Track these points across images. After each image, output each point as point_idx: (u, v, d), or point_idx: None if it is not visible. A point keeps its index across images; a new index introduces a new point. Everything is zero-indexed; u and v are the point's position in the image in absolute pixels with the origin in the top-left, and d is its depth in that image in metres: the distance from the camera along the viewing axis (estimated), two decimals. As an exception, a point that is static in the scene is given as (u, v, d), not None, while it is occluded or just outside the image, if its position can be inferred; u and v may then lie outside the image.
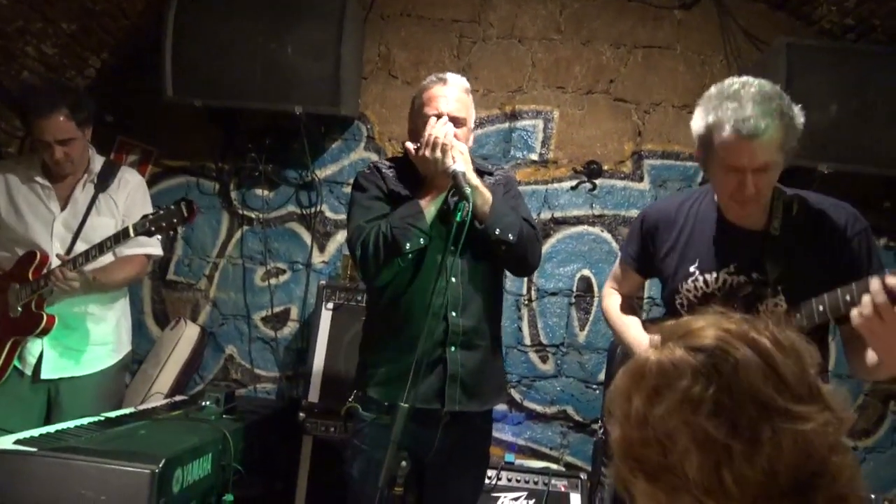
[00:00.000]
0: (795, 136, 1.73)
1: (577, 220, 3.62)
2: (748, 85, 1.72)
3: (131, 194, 2.91)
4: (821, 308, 1.69)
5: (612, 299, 2.31)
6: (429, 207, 2.12)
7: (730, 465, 0.80)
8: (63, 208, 2.83)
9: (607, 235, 3.61)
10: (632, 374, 0.92)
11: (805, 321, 1.72)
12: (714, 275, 1.91)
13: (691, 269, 1.95)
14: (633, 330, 2.15)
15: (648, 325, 2.14)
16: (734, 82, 1.75)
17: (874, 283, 1.49)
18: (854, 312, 1.54)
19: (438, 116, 2.15)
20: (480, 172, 2.31)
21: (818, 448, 0.81)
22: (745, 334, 0.86)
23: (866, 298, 1.51)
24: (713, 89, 1.79)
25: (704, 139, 1.78)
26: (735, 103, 1.69)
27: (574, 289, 3.60)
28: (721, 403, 0.82)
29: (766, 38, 3.47)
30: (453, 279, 2.14)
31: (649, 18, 3.63)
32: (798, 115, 1.72)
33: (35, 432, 2.17)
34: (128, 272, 2.89)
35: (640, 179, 3.61)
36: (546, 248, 3.55)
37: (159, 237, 2.74)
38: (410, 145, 2.19)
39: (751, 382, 0.82)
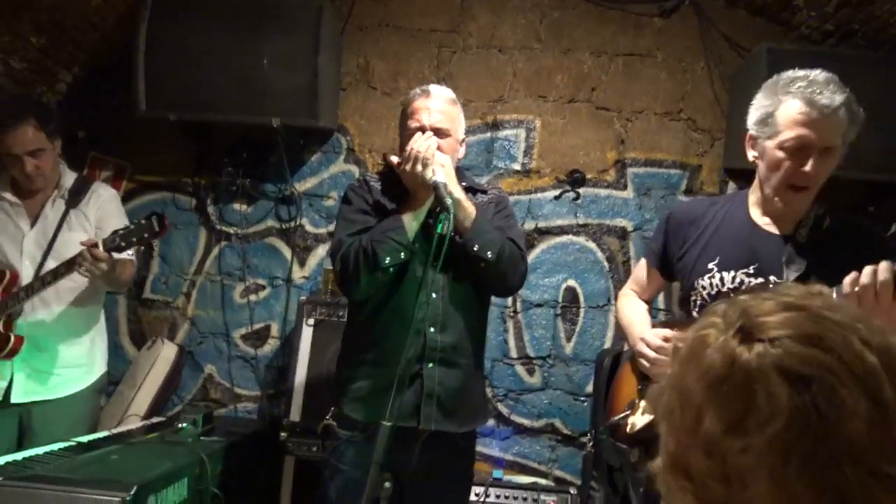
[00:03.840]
0: (854, 132, 1.73)
1: (562, 230, 3.58)
2: (815, 72, 1.73)
3: (103, 206, 2.83)
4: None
5: (626, 299, 2.26)
6: (411, 221, 2.08)
7: None
8: (33, 225, 2.75)
9: (592, 245, 3.57)
10: (710, 381, 0.75)
11: None
12: (732, 273, 1.86)
13: (710, 265, 1.90)
14: (638, 325, 2.08)
15: (659, 326, 2.07)
16: (799, 70, 1.76)
17: (883, 263, 1.48)
18: (848, 279, 1.51)
19: (421, 129, 2.12)
20: (474, 190, 2.29)
21: None
22: (857, 357, 0.70)
23: (868, 269, 1.48)
24: (776, 77, 1.79)
25: (764, 119, 1.77)
26: (805, 83, 1.70)
27: (560, 300, 3.55)
28: (814, 456, 0.68)
29: (747, 44, 3.46)
30: (433, 294, 2.10)
31: (629, 26, 3.61)
32: (860, 112, 1.73)
33: (1, 460, 2.08)
34: (128, 272, 2.82)
35: (624, 188, 3.58)
36: (530, 258, 3.50)
37: (131, 252, 2.66)
38: (394, 158, 2.15)
39: (854, 436, 0.68)
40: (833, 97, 1.67)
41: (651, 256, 2.18)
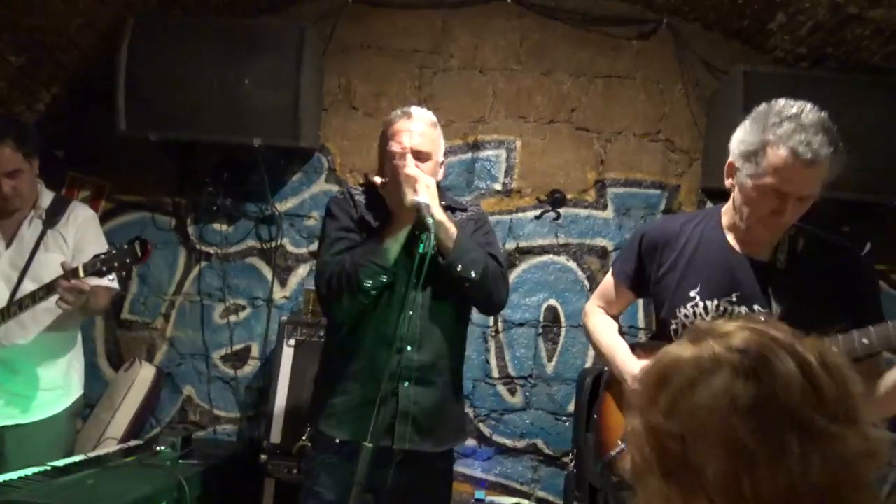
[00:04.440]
0: (835, 173, 1.69)
1: (543, 250, 3.60)
2: (807, 111, 1.68)
3: (81, 228, 2.80)
4: (865, 341, 1.58)
5: (596, 317, 2.21)
6: (392, 244, 2.08)
7: (751, 473, 0.77)
8: (8, 246, 2.70)
9: (573, 264, 3.59)
10: (662, 370, 0.88)
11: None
12: (715, 302, 1.85)
13: (692, 293, 1.89)
14: (621, 355, 2.05)
15: (638, 350, 2.07)
16: (791, 104, 1.70)
17: None
18: None
19: (403, 151, 2.12)
20: (453, 209, 2.29)
21: (846, 476, 0.77)
22: (792, 346, 0.83)
23: None
24: (765, 107, 1.74)
25: (750, 155, 1.72)
26: (795, 124, 1.65)
27: (541, 319, 3.56)
28: (756, 407, 0.79)
29: (723, 67, 3.52)
30: (411, 313, 2.08)
31: (608, 48, 3.66)
32: (842, 150, 1.69)
33: (-26, 486, 2.04)
34: (102, 301, 2.76)
35: (604, 208, 3.61)
36: (512, 278, 3.51)
37: (112, 277, 2.63)
38: (378, 179, 2.15)
39: (788, 393, 0.79)
40: (820, 151, 1.61)
41: (623, 277, 2.14)
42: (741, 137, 1.77)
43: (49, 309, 2.66)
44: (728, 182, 1.85)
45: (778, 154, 1.65)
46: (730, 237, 1.90)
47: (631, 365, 2.00)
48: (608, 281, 2.23)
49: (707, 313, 1.86)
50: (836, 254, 1.84)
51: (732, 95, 3.15)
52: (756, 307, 1.81)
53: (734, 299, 1.84)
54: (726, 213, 1.92)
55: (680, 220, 2.05)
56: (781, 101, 1.72)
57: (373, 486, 1.96)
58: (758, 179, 1.70)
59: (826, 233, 1.89)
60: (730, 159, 1.81)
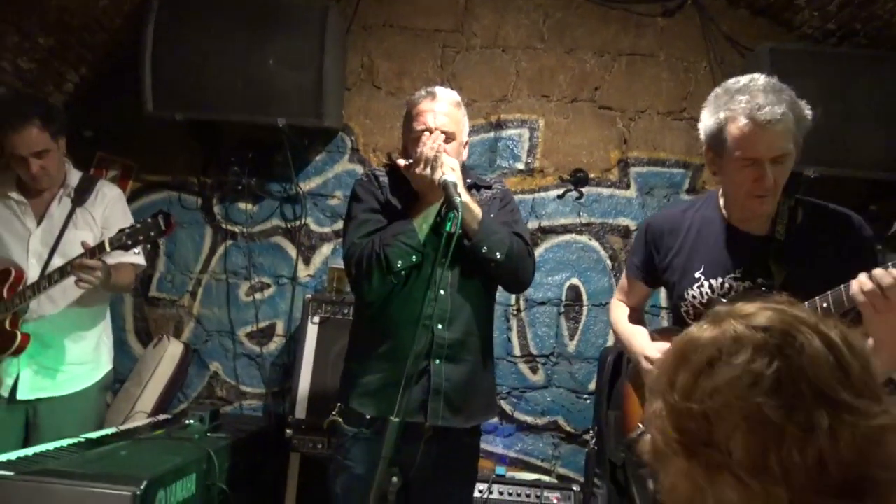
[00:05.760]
0: (804, 129, 1.74)
1: (565, 229, 3.60)
2: (755, 80, 1.74)
3: (109, 206, 2.85)
4: (825, 305, 1.64)
5: (618, 311, 2.28)
6: (421, 224, 2.10)
7: (779, 449, 0.76)
8: (39, 224, 2.76)
9: (595, 244, 3.59)
10: (681, 351, 0.88)
11: None
12: (719, 280, 1.88)
13: (696, 274, 1.92)
14: (638, 339, 2.10)
15: (656, 335, 2.11)
16: (739, 79, 1.77)
17: (877, 271, 1.51)
18: (855, 287, 1.53)
19: (428, 132, 2.13)
20: (479, 186, 2.30)
21: (875, 452, 0.76)
22: (816, 325, 0.82)
23: (865, 277, 1.51)
24: (718, 89, 1.81)
25: (715, 137, 1.77)
26: (746, 95, 1.70)
27: (563, 298, 3.57)
28: (781, 383, 0.78)
29: (749, 44, 3.48)
30: (442, 291, 2.11)
31: (632, 26, 3.63)
32: (805, 107, 1.74)
33: (12, 455, 2.10)
34: (126, 278, 2.82)
35: (627, 187, 3.60)
36: (534, 257, 3.52)
37: (138, 250, 2.68)
38: (402, 161, 2.16)
39: (815, 370, 0.78)
40: (774, 110, 1.66)
41: (634, 270, 2.20)
42: (704, 125, 1.83)
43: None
44: (711, 170, 1.89)
45: (737, 126, 1.70)
46: (728, 216, 1.92)
47: (646, 347, 2.04)
48: (624, 277, 2.30)
49: (713, 292, 1.88)
50: (836, 220, 1.85)
51: (758, 73, 3.11)
52: (759, 280, 1.83)
53: (738, 275, 1.86)
54: (722, 193, 1.96)
55: (681, 208, 2.10)
56: (730, 80, 1.79)
57: (401, 460, 1.99)
58: (729, 156, 1.75)
59: (826, 203, 1.90)
60: (704, 149, 1.86)
